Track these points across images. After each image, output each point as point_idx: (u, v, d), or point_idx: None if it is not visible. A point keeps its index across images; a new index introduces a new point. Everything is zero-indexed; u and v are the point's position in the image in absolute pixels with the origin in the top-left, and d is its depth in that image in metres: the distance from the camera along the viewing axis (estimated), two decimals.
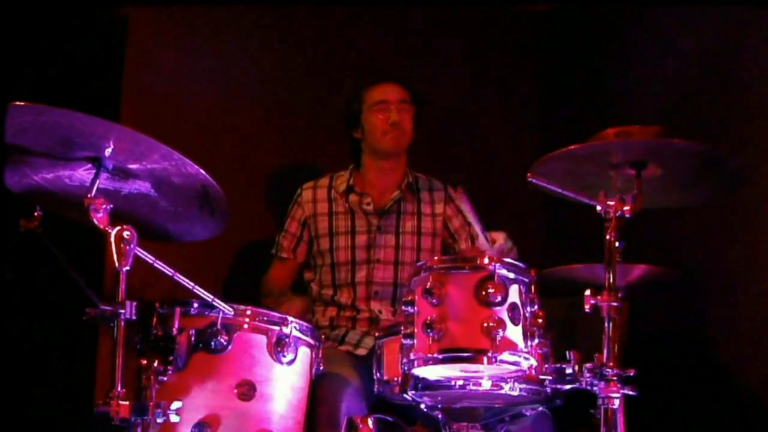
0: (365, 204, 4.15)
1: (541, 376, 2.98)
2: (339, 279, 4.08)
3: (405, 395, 3.14)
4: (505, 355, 2.85)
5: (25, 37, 3.95)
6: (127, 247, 2.80)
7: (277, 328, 3.12)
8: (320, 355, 3.29)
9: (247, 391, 3.04)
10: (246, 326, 3.09)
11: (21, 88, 3.78)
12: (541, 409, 3.31)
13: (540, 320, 2.96)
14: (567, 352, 2.97)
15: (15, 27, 3.90)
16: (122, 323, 2.77)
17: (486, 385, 3.00)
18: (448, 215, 4.23)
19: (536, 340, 2.94)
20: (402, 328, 3.01)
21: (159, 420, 2.81)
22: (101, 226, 2.83)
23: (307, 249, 4.18)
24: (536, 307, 2.97)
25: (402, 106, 4.12)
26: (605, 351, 2.91)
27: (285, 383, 3.13)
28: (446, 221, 4.23)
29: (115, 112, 4.13)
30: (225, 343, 3.04)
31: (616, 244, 2.95)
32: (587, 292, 2.93)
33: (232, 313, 3.05)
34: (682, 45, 4.23)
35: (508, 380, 2.98)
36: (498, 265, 2.90)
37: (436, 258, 3.08)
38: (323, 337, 3.40)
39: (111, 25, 4.23)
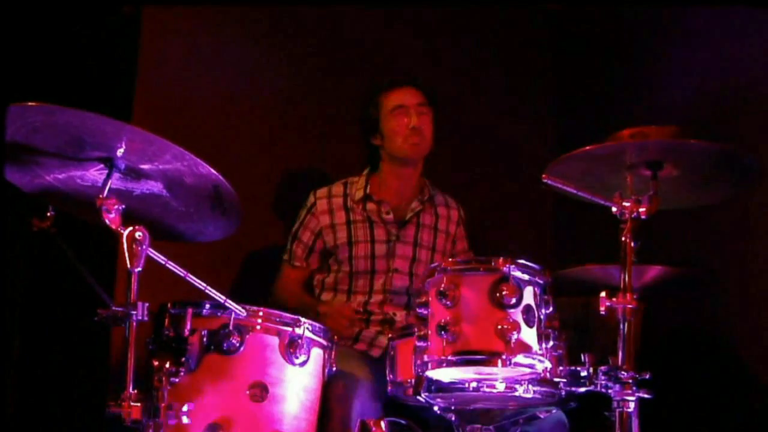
0: (385, 213, 4.11)
1: (556, 379, 2.95)
2: (356, 286, 4.05)
3: (418, 397, 3.12)
4: (520, 358, 2.83)
5: (36, 36, 3.94)
6: (139, 248, 2.79)
7: (289, 329, 3.10)
8: (333, 356, 3.27)
9: (260, 392, 3.02)
10: (258, 327, 3.07)
11: (33, 87, 3.77)
12: (555, 411, 3.29)
13: (554, 322, 2.94)
14: (582, 355, 2.95)
15: (27, 26, 3.88)
16: (134, 324, 2.77)
17: (500, 387, 2.98)
18: (457, 237, 4.25)
19: (551, 343, 2.92)
20: (415, 329, 3.00)
21: (171, 422, 2.79)
22: (113, 227, 2.82)
23: (320, 258, 4.15)
24: (551, 309, 2.95)
25: (420, 109, 4.07)
26: (620, 353, 2.89)
27: (297, 384, 3.11)
28: (454, 242, 4.24)
29: (128, 112, 4.12)
30: (237, 345, 3.02)
31: (632, 244, 2.94)
32: (603, 294, 2.91)
33: (245, 314, 3.03)
34: (698, 44, 4.21)
35: (522, 382, 2.96)
36: (512, 266, 2.89)
37: (450, 259, 3.05)
38: (336, 336, 3.39)
39: (124, 24, 4.21)
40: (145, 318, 2.78)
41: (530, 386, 2.97)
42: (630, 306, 2.89)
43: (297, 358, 3.09)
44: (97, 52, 4.10)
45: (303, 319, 3.13)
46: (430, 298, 2.94)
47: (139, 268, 2.80)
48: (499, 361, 2.81)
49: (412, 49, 4.90)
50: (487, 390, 2.99)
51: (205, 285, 2.92)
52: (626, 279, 2.92)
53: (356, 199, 4.11)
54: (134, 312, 2.76)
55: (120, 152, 2.87)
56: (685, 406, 3.97)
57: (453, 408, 3.22)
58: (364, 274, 4.05)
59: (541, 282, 2.95)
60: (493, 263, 2.91)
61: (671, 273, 3.58)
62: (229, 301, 3.00)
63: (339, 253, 4.07)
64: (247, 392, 3.01)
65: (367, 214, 4.09)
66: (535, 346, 2.87)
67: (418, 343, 2.95)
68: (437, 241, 4.18)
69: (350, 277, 4.06)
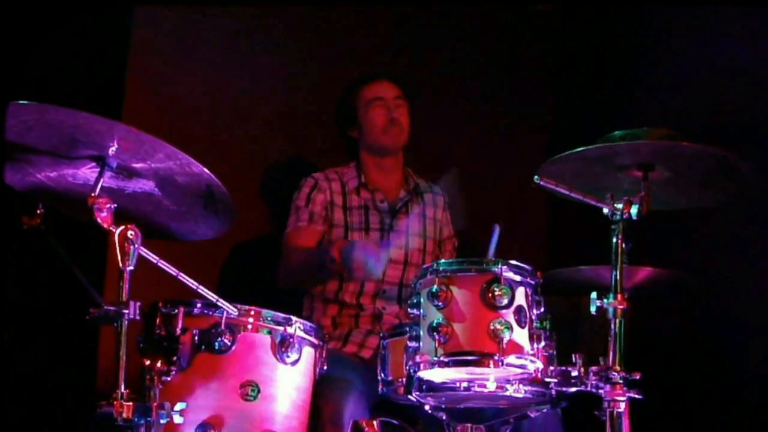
0: (379, 201, 4.14)
1: (547, 379, 2.96)
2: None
3: (409, 396, 3.12)
4: (512, 359, 2.83)
5: (27, 34, 3.93)
6: (131, 247, 2.78)
7: (281, 328, 3.10)
8: (324, 355, 3.27)
9: (251, 391, 3.02)
10: (250, 326, 3.07)
11: (23, 86, 3.77)
12: (546, 410, 3.29)
13: (546, 322, 2.95)
14: (573, 355, 2.95)
15: (18, 24, 3.88)
16: (126, 323, 2.76)
17: (491, 386, 2.97)
18: (443, 223, 4.27)
19: (542, 343, 2.92)
20: (407, 329, 3.00)
21: (162, 421, 2.79)
22: (105, 225, 2.81)
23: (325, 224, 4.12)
24: (542, 309, 2.95)
25: (397, 102, 4.16)
26: (611, 354, 2.90)
27: (289, 384, 3.11)
28: (440, 228, 4.26)
29: (118, 111, 4.11)
30: (229, 344, 3.02)
31: (623, 245, 2.95)
32: (593, 295, 2.92)
33: (236, 313, 3.03)
34: (691, 45, 4.22)
35: (514, 382, 2.97)
36: (504, 267, 2.89)
37: (441, 260, 3.05)
38: (326, 336, 3.39)
39: (115, 23, 4.20)
40: (137, 317, 2.78)
41: (521, 386, 2.97)
42: (621, 306, 2.90)
43: (288, 357, 3.09)
44: (88, 50, 4.10)
45: (294, 318, 3.13)
46: (421, 299, 2.94)
47: (131, 267, 2.80)
48: (491, 362, 2.82)
49: (401, 47, 4.90)
50: (478, 389, 2.98)
51: (197, 284, 2.92)
52: (617, 279, 2.93)
53: (351, 187, 4.13)
54: (126, 311, 2.75)
55: (112, 151, 2.86)
56: (675, 406, 3.99)
57: (444, 407, 3.22)
58: None
59: (532, 282, 2.95)
60: (485, 264, 2.92)
61: (661, 275, 3.60)
62: (221, 300, 2.99)
63: (332, 236, 4.07)
64: (239, 391, 3.01)
65: (362, 201, 4.12)
66: (527, 347, 2.87)
67: (410, 344, 2.96)
68: (427, 228, 4.20)
69: None
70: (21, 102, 2.67)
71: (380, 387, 3.25)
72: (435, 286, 2.88)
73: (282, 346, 3.09)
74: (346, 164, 4.24)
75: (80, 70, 4.04)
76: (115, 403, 2.71)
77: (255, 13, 4.58)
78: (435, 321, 2.86)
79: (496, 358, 2.81)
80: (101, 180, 2.89)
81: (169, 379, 2.89)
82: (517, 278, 2.92)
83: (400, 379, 3.14)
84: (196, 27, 4.50)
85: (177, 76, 4.41)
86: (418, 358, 2.91)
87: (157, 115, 4.25)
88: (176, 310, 2.99)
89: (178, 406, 2.82)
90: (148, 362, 2.89)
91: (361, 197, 4.14)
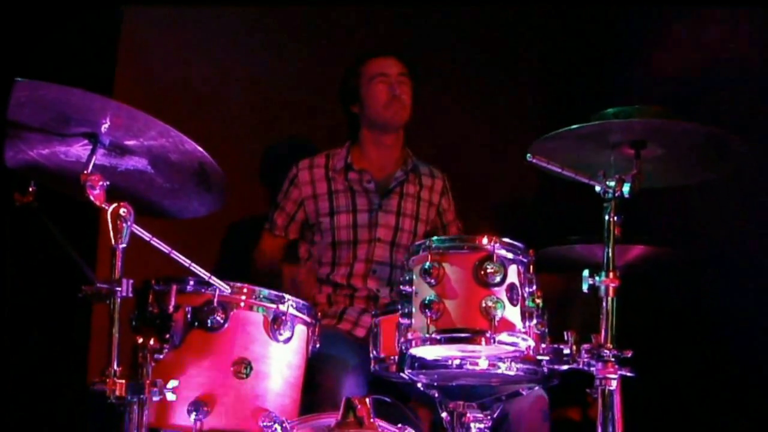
0: (366, 182, 4.13)
1: (539, 357, 2.96)
2: (339, 258, 4.07)
3: (401, 374, 3.13)
4: (503, 336, 2.83)
5: (19, 14, 3.92)
6: (124, 224, 2.78)
7: (273, 305, 3.10)
8: (317, 333, 3.27)
9: (243, 369, 3.02)
10: (242, 304, 3.07)
11: (15, 63, 3.75)
12: (537, 389, 3.30)
13: (538, 300, 2.95)
14: (565, 333, 2.96)
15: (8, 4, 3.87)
16: (118, 301, 2.76)
17: (483, 364, 2.98)
18: (444, 207, 4.27)
19: (534, 321, 2.92)
20: (399, 306, 3.00)
21: (155, 398, 2.79)
22: (98, 203, 2.80)
23: (300, 227, 4.17)
24: (534, 287, 2.95)
25: (401, 79, 4.14)
26: (603, 332, 2.90)
27: (281, 361, 3.11)
28: (440, 212, 4.25)
29: (109, 88, 4.09)
30: (221, 321, 3.02)
31: (615, 223, 2.96)
32: (586, 273, 2.92)
33: (229, 290, 3.03)
34: (684, 27, 4.22)
35: (505, 360, 2.97)
36: (497, 245, 2.89)
37: (434, 237, 3.06)
38: (320, 314, 3.40)
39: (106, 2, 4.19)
40: (130, 294, 2.78)
41: (513, 363, 2.97)
42: (613, 284, 2.91)
43: (281, 334, 3.09)
44: (78, 28, 4.08)
45: (287, 296, 3.13)
46: (414, 276, 2.94)
47: (124, 245, 2.79)
48: (483, 339, 2.82)
49: (395, 21, 4.88)
50: (470, 367, 2.99)
51: (189, 261, 2.91)
52: (609, 257, 2.94)
53: (337, 169, 4.13)
54: (119, 288, 2.75)
55: (104, 128, 2.86)
56: (668, 383, 4.00)
57: (436, 384, 3.23)
58: (347, 245, 4.07)
59: (525, 260, 2.95)
60: (477, 241, 2.91)
61: (653, 252, 3.60)
62: (214, 278, 2.99)
63: (321, 224, 4.09)
64: (231, 369, 3.02)
65: (348, 183, 4.12)
66: (519, 324, 2.87)
67: (402, 321, 2.95)
68: (420, 210, 4.20)
69: (333, 247, 4.08)
70: (15, 79, 2.66)
71: (372, 365, 3.25)
72: (427, 263, 2.88)
73: (275, 323, 3.09)
74: (341, 145, 4.24)
75: (71, 50, 4.03)
76: (107, 380, 2.72)
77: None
78: (427, 298, 2.85)
79: (487, 335, 2.80)
80: (93, 157, 2.88)
81: (161, 356, 2.88)
82: (510, 256, 2.91)
83: (392, 357, 3.15)
84: (188, 5, 4.47)
85: (169, 53, 4.39)
86: (410, 335, 2.90)
87: (149, 92, 4.23)
88: (169, 288, 2.98)
89: (171, 384, 2.81)
90: (140, 340, 2.88)
91: (347, 179, 4.14)
